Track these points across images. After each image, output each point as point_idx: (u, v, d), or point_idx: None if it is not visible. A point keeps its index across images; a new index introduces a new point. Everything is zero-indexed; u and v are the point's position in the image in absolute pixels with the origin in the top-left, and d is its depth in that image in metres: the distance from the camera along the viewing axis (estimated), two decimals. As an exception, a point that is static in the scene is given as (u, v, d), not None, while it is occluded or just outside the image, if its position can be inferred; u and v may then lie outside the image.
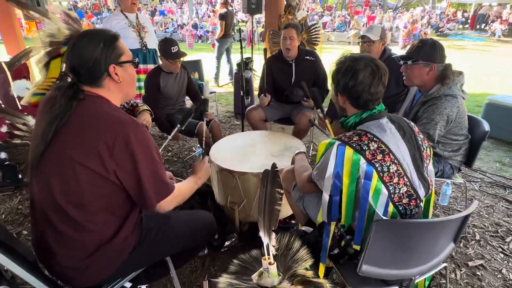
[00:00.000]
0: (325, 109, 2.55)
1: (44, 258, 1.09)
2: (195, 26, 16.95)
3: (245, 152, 2.12)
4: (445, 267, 1.25)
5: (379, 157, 1.02)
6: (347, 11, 19.55)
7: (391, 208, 1.06)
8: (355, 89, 1.07)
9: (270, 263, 1.01)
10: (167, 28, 17.36)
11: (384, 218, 1.03)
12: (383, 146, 1.03)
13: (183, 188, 1.21)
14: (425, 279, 1.30)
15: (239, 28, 3.14)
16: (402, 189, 1.06)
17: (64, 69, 1.73)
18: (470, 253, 1.88)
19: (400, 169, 1.05)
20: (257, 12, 5.77)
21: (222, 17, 5.73)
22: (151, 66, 3.12)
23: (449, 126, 1.74)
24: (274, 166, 1.07)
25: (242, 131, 3.01)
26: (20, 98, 2.30)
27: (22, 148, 1.88)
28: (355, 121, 1.12)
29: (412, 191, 1.08)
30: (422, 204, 1.16)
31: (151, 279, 1.49)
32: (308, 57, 2.73)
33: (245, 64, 4.46)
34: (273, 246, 1.04)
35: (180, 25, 17.18)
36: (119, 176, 1.02)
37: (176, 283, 1.44)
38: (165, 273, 1.42)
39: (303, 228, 1.46)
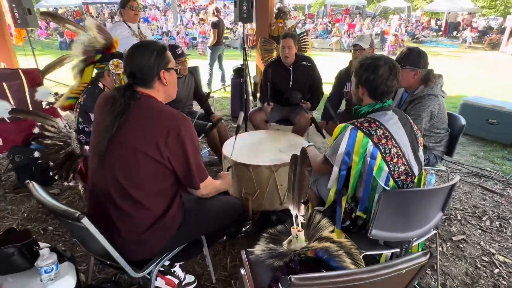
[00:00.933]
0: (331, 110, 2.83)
1: (108, 234, 1.27)
2: (179, 33, 17.07)
3: (256, 148, 2.35)
4: (435, 234, 1.52)
5: (383, 141, 1.28)
6: (329, 19, 20.25)
7: (391, 182, 1.32)
8: (375, 81, 1.33)
9: (298, 231, 1.24)
10: (153, 35, 17.44)
11: (387, 188, 1.29)
12: (387, 133, 1.29)
13: (212, 182, 1.42)
14: (418, 245, 1.56)
15: (242, 37, 3.38)
16: (400, 167, 1.33)
17: (94, 75, 1.91)
18: (453, 230, 2.18)
19: (399, 151, 1.31)
20: (249, 20, 6.01)
21: (215, 25, 5.98)
22: None
23: (432, 121, 2.04)
24: (304, 149, 1.31)
25: (246, 131, 3.24)
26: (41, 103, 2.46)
27: (53, 147, 2.03)
28: (367, 110, 1.38)
29: (408, 169, 1.34)
30: (415, 181, 1.42)
31: (187, 256, 1.68)
32: (304, 63, 3.00)
33: (241, 71, 4.71)
34: (302, 216, 1.27)
35: (166, 32, 17.29)
36: (172, 162, 1.23)
37: (208, 259, 1.65)
38: (199, 252, 1.62)
39: (316, 208, 1.69)
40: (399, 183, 1.33)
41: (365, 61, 1.38)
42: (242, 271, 1.28)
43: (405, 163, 1.33)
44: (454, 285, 1.72)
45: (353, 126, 1.32)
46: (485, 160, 3.28)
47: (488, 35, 15.55)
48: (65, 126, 2.08)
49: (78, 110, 1.91)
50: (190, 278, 1.72)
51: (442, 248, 2.00)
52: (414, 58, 2.00)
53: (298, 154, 1.36)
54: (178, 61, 2.67)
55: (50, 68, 1.90)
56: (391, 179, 1.31)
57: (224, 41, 6.88)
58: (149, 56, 1.25)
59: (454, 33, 18.22)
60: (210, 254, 1.94)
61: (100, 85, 1.91)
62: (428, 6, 19.21)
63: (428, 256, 0.83)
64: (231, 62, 9.18)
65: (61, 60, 1.91)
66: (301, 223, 1.27)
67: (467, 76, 8.12)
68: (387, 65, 1.34)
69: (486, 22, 17.79)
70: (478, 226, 2.23)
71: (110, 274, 1.77)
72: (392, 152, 1.29)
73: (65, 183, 2.09)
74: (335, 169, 1.35)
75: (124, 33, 3.13)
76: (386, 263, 0.81)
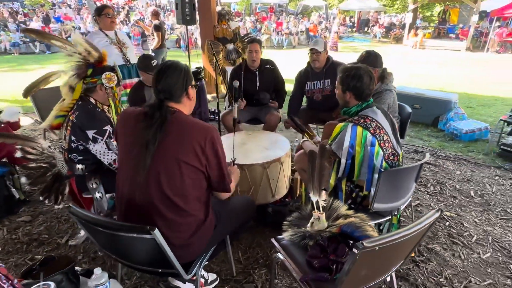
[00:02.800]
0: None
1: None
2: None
3: (242, 149, 2.51)
4: (410, 201, 1.92)
5: (377, 131, 1.60)
6: (255, 17, 20.89)
7: (384, 163, 1.66)
8: (361, 87, 1.63)
9: (320, 214, 1.49)
10: (69, 36, 15.77)
11: (381, 169, 1.62)
12: (379, 124, 1.61)
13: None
14: (397, 214, 1.95)
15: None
16: (389, 150, 1.66)
17: (84, 90, 1.85)
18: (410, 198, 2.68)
19: (388, 138, 1.65)
20: (192, 23, 6.03)
21: (158, 28, 5.84)
22: (135, 80, 3.22)
23: (389, 111, 2.48)
24: (323, 146, 1.54)
25: (220, 134, 3.35)
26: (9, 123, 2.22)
27: (38, 170, 1.91)
28: (357, 109, 1.68)
29: (394, 151, 1.69)
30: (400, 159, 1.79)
31: (212, 255, 1.79)
32: (268, 66, 3.25)
33: (196, 74, 4.73)
34: (323, 201, 1.51)
35: (85, 33, 15.81)
36: (207, 169, 1.35)
37: (230, 255, 1.80)
38: (222, 249, 1.75)
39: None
40: (389, 163, 1.67)
41: (350, 72, 1.68)
42: (280, 255, 1.47)
43: (392, 146, 1.67)
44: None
45: (352, 124, 1.61)
46: (417, 139, 3.99)
47: (392, 31, 17.99)
48: (49, 147, 1.95)
49: (69, 128, 1.83)
50: (212, 276, 1.83)
51: (406, 213, 2.47)
52: (372, 59, 2.40)
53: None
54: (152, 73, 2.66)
55: (34, 87, 1.75)
56: (383, 161, 1.64)
57: (165, 43, 6.74)
58: (179, 74, 1.35)
59: (365, 29, 20.59)
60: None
61: (92, 100, 1.86)
62: (342, 5, 21.24)
63: (439, 212, 1.15)
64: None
65: (46, 78, 1.78)
66: (322, 207, 1.52)
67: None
68: (367, 73, 1.66)
69: (389, 19, 20.48)
70: (426, 192, 2.78)
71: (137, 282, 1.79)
72: (384, 139, 1.62)
73: (56, 206, 1.97)
74: (343, 161, 1.62)
75: (102, 42, 3.01)
76: (416, 222, 1.10)
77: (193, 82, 1.43)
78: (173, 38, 17.37)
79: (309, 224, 1.50)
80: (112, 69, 1.86)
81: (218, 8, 6.17)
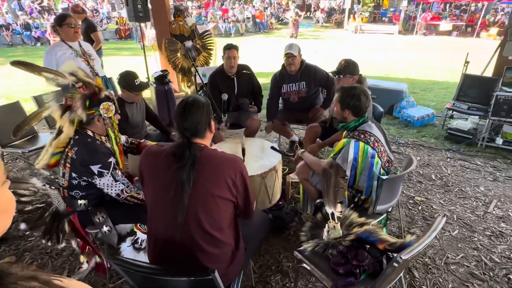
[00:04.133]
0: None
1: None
2: (27, 27, 14.06)
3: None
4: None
5: (376, 144, 1.80)
6: (198, 3, 20.17)
7: (382, 171, 1.88)
8: (359, 106, 1.81)
9: (336, 223, 1.66)
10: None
11: (383, 177, 1.84)
12: (376, 137, 1.81)
13: None
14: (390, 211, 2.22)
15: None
16: (385, 158, 1.88)
17: (84, 122, 1.74)
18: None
19: (383, 148, 1.86)
20: (146, 20, 5.71)
21: (92, 28, 5.27)
22: None
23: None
24: (337, 165, 1.69)
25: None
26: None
27: (36, 212, 1.79)
28: (355, 124, 1.86)
29: (389, 158, 1.92)
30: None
31: None
32: (245, 71, 3.29)
33: (162, 78, 4.55)
34: (339, 212, 1.68)
35: (4, 25, 13.84)
36: (237, 198, 1.42)
37: (251, 268, 1.90)
38: (246, 266, 1.84)
39: (318, 200, 2.14)
40: (386, 169, 1.90)
41: (349, 92, 1.85)
42: (306, 266, 1.62)
43: (387, 155, 1.90)
44: (403, 226, 2.50)
45: (355, 139, 1.78)
46: (377, 128, 4.40)
47: (333, 16, 18.84)
48: (43, 185, 1.81)
49: (68, 165, 1.72)
50: (233, 290, 1.92)
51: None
52: (351, 68, 2.60)
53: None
54: (136, 93, 2.55)
55: (25, 125, 1.57)
56: (381, 168, 1.86)
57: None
58: (202, 111, 1.38)
59: (308, 13, 21.20)
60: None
61: (89, 132, 1.76)
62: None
63: (445, 218, 1.39)
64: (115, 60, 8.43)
65: (37, 114, 1.61)
66: (337, 217, 1.69)
67: (336, 55, 9.89)
68: (363, 93, 1.85)
69: (329, 4, 21.35)
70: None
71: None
72: (381, 150, 1.83)
73: (59, 246, 1.87)
74: (348, 172, 1.80)
75: (66, 55, 2.75)
76: (431, 230, 1.32)
77: (213, 115, 1.46)
78: (111, 28, 16.09)
79: (325, 233, 1.67)
80: (108, 98, 1.77)
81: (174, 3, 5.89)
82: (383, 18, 18.78)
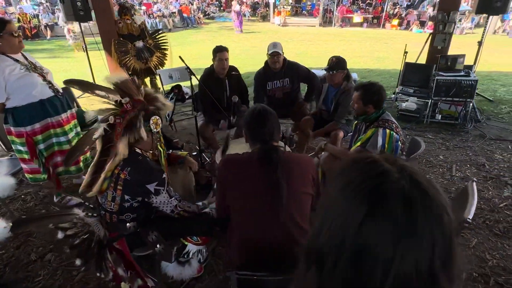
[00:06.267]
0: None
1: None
2: None
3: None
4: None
5: (398, 129, 2.09)
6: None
7: (400, 153, 2.19)
8: (381, 100, 2.06)
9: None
10: None
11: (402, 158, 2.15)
12: (396, 124, 2.11)
13: None
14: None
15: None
16: (403, 143, 2.20)
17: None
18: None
19: (401, 133, 2.17)
20: (87, 19, 5.20)
21: None
22: (70, 113, 2.66)
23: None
24: (382, 151, 1.93)
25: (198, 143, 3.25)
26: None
27: (83, 244, 1.63)
28: (376, 115, 2.12)
29: (404, 141, 2.24)
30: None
31: None
32: (234, 72, 3.31)
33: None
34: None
35: None
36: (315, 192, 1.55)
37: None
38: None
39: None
40: (403, 151, 2.22)
41: (370, 89, 2.11)
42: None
43: (403, 139, 2.22)
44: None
45: (382, 127, 2.05)
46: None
47: (258, 9, 19.36)
48: (86, 214, 1.64)
49: (120, 188, 1.59)
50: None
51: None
52: (341, 64, 2.88)
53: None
54: None
55: (77, 151, 1.34)
56: (401, 150, 2.17)
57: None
58: (275, 117, 1.50)
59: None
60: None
61: (138, 151, 1.65)
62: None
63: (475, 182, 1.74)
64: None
65: (87, 137, 1.39)
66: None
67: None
68: (382, 88, 2.12)
69: (252, -3, 21.80)
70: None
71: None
72: (401, 134, 2.14)
73: (107, 278, 1.71)
74: (378, 158, 2.06)
75: (16, 71, 2.28)
76: (471, 193, 1.65)
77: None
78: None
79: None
80: (155, 112, 1.67)
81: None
82: (303, 12, 20.08)
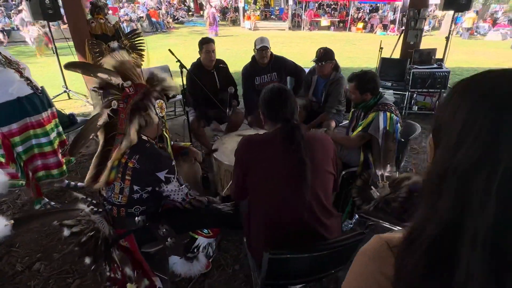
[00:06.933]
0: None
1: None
2: None
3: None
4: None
5: (396, 112, 2.16)
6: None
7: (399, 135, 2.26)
8: (376, 87, 2.12)
9: (384, 183, 1.95)
10: None
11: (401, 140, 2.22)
12: (395, 106, 2.17)
13: None
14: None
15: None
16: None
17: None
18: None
19: (400, 115, 2.24)
20: (56, 18, 4.92)
21: None
22: (50, 112, 2.47)
23: (343, 93, 3.13)
24: (387, 132, 1.96)
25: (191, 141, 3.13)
26: None
27: (90, 241, 1.51)
28: (374, 101, 2.17)
29: (402, 122, 2.31)
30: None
31: None
32: (221, 65, 3.27)
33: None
34: (387, 173, 1.96)
35: None
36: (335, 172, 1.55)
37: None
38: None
39: (344, 172, 2.38)
40: (401, 132, 2.28)
41: (364, 78, 2.16)
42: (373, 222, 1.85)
43: (401, 119, 2.29)
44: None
45: (383, 111, 2.10)
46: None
47: (227, 14, 19.40)
48: (92, 209, 1.51)
49: (128, 178, 1.48)
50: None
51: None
52: (329, 55, 2.93)
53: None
54: None
55: (82, 139, 1.21)
56: (399, 132, 2.24)
57: None
58: (292, 96, 1.47)
59: (201, 12, 21.19)
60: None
61: (145, 138, 1.55)
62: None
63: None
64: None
65: (91, 124, 1.27)
66: (386, 177, 1.98)
67: (248, 52, 10.31)
68: (375, 75, 2.19)
69: (220, 3, 21.82)
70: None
71: None
72: (400, 116, 2.20)
73: (117, 276, 1.59)
74: (380, 141, 2.10)
75: None
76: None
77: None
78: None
79: (377, 193, 1.94)
80: (160, 95, 1.58)
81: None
82: (272, 16, 20.42)
